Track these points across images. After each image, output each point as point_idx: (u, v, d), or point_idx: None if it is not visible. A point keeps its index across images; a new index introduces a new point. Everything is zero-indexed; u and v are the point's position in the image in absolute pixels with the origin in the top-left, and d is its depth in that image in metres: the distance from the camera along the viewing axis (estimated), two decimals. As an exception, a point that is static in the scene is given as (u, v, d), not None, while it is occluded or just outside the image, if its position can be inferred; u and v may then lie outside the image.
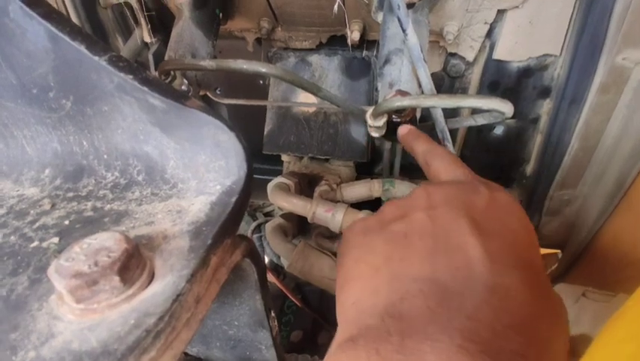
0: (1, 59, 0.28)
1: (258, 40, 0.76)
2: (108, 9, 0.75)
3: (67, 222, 0.24)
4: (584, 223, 0.74)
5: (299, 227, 0.75)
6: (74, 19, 0.70)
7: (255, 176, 0.97)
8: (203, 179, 0.25)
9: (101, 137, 0.26)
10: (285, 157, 0.81)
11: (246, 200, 0.24)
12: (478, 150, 0.80)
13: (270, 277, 1.04)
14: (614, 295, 0.50)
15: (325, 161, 0.79)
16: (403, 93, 0.50)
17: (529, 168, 0.78)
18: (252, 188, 0.25)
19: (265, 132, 0.77)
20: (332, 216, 0.61)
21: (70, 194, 0.26)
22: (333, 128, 0.75)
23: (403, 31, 0.50)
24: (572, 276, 0.78)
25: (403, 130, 0.48)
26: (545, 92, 0.69)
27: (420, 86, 0.53)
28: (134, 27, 0.76)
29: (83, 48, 0.23)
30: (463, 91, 0.74)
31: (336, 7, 0.54)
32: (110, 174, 0.26)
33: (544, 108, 0.71)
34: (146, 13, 0.72)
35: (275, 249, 0.69)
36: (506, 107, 0.42)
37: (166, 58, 0.60)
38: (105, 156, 0.27)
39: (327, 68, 0.75)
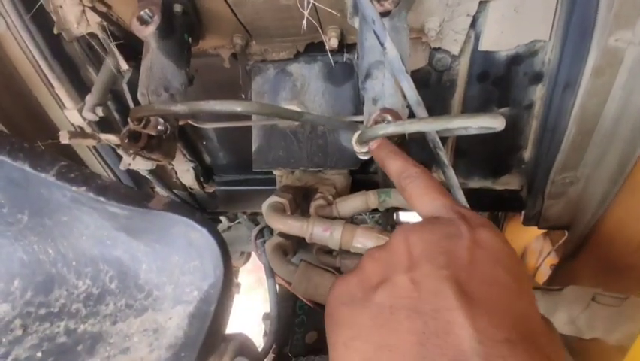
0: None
1: (234, 55, 0.73)
2: (74, 42, 0.71)
3: (39, 354, 0.23)
4: (588, 205, 0.72)
5: (299, 242, 0.74)
6: (39, 59, 0.67)
7: (250, 187, 0.95)
8: (179, 283, 0.23)
9: (66, 244, 0.25)
10: (277, 171, 0.79)
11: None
12: (474, 142, 0.77)
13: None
14: (624, 299, 0.49)
15: (318, 171, 0.77)
16: (388, 112, 0.48)
17: (527, 154, 0.76)
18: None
19: (253, 149, 0.75)
20: (330, 236, 0.59)
21: (42, 311, 0.25)
22: (322, 139, 0.72)
23: (381, 44, 0.47)
24: (580, 258, 0.77)
25: (373, 145, 0.46)
26: (537, 78, 0.66)
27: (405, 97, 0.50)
28: (104, 57, 0.73)
29: (26, 167, 0.22)
30: (452, 83, 0.71)
31: (304, 22, 0.51)
32: (82, 282, 0.25)
33: (538, 94, 0.68)
34: (114, 43, 0.69)
35: (276, 271, 0.68)
36: (496, 123, 0.40)
37: (138, 94, 0.58)
38: (74, 263, 0.25)
39: (309, 77, 0.72)
